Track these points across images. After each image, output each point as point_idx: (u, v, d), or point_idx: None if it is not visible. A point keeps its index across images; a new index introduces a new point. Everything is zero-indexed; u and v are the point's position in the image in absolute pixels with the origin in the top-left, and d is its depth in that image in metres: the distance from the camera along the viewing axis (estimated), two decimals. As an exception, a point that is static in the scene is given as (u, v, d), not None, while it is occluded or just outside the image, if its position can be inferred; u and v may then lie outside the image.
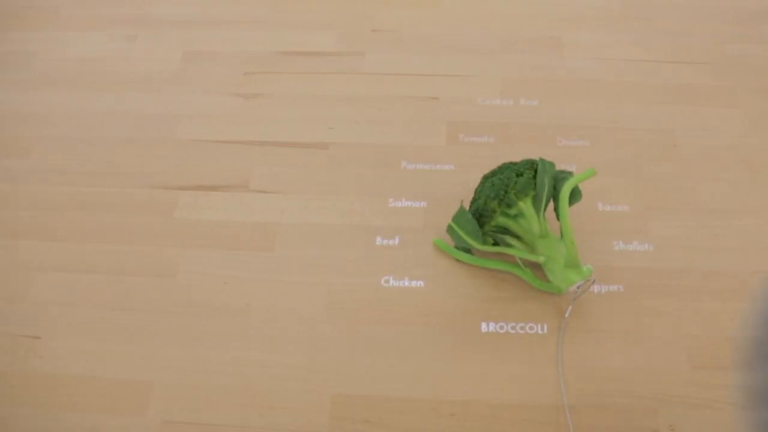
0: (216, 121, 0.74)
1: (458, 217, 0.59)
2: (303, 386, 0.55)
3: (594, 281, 0.56)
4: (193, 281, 0.62)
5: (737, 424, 0.49)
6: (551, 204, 0.59)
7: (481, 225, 0.58)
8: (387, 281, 0.61)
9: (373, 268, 0.61)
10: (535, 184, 0.57)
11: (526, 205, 0.57)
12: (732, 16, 0.81)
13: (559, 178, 0.58)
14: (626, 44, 0.78)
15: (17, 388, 0.57)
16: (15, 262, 0.64)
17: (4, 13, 0.88)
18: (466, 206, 0.62)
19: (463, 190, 0.66)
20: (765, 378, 0.29)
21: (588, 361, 0.55)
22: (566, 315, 0.57)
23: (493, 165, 0.62)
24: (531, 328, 0.57)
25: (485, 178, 0.61)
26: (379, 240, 0.64)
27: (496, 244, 0.60)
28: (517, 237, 0.59)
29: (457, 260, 0.62)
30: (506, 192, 0.56)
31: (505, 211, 0.57)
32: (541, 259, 0.56)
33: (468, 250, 0.62)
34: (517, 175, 0.58)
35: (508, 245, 0.58)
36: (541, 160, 0.59)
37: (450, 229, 0.61)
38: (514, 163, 0.60)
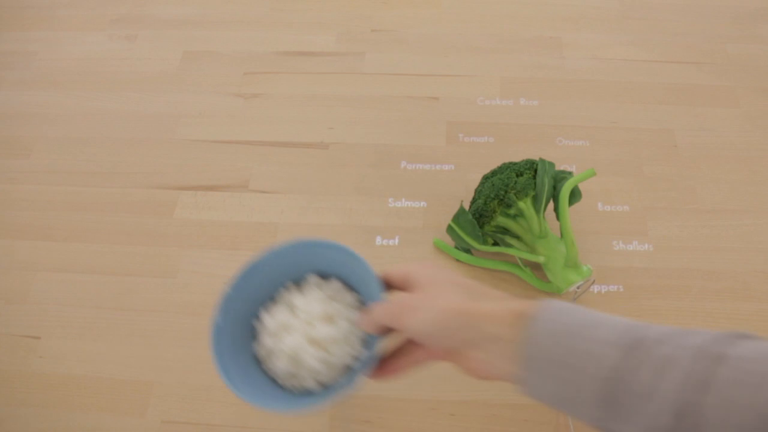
0: (216, 121, 0.74)
1: (458, 217, 0.59)
2: (303, 386, 0.55)
3: (594, 281, 0.56)
4: (193, 281, 0.62)
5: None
6: (551, 204, 0.59)
7: (481, 225, 0.58)
8: (387, 281, 0.61)
9: (373, 268, 0.61)
10: (535, 184, 0.57)
11: (526, 205, 0.57)
12: (732, 16, 0.81)
13: (559, 178, 0.58)
14: (626, 44, 0.78)
15: (17, 388, 0.57)
16: (15, 262, 0.64)
17: (4, 13, 0.88)
18: (466, 206, 0.62)
19: (463, 190, 0.66)
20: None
21: (588, 361, 0.55)
22: (566, 315, 0.57)
23: (493, 165, 0.62)
24: (531, 328, 0.57)
25: (485, 178, 0.61)
26: (379, 240, 0.64)
27: (496, 244, 0.60)
28: (517, 237, 0.59)
29: (457, 260, 0.62)
30: (506, 192, 0.56)
31: (505, 211, 0.57)
32: (541, 259, 0.56)
33: (468, 250, 0.62)
34: (517, 175, 0.58)
35: (508, 245, 0.58)
36: (541, 160, 0.59)
37: (450, 229, 0.61)
38: (514, 163, 0.60)
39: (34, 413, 0.55)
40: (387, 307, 0.37)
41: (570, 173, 0.59)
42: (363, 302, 0.44)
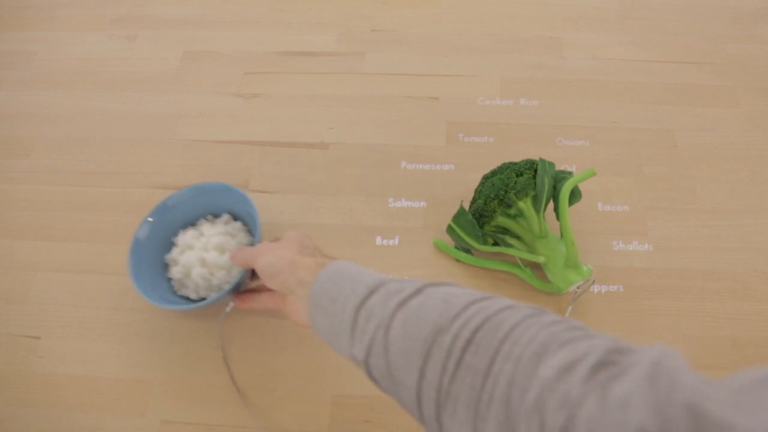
0: (216, 121, 0.74)
1: (458, 217, 0.59)
2: (303, 386, 0.56)
3: (594, 281, 0.56)
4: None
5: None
6: (551, 204, 0.59)
7: (481, 225, 0.58)
8: (387, 281, 0.61)
9: (373, 268, 0.61)
10: (535, 184, 0.57)
11: (526, 205, 0.57)
12: (732, 16, 0.81)
13: (559, 178, 0.58)
14: (626, 44, 0.78)
15: (17, 388, 0.57)
16: (15, 262, 0.64)
17: (4, 13, 0.88)
18: (466, 206, 0.62)
19: (463, 190, 0.66)
20: None
21: (588, 361, 0.55)
22: (566, 315, 0.57)
23: (493, 165, 0.62)
24: (531, 328, 0.57)
25: (485, 178, 0.61)
26: (379, 240, 0.64)
27: (496, 244, 0.60)
28: (517, 237, 0.59)
29: (457, 260, 0.62)
30: (506, 192, 0.56)
31: (505, 211, 0.57)
32: (541, 259, 0.56)
33: (468, 250, 0.62)
34: (517, 175, 0.58)
35: (508, 245, 0.58)
36: (541, 160, 0.59)
37: (450, 229, 0.61)
38: (514, 163, 0.60)
39: (34, 413, 0.55)
40: (248, 249, 0.50)
41: (570, 173, 0.59)
42: (253, 244, 0.57)
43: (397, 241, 0.64)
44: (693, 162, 0.68)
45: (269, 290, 0.51)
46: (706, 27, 0.80)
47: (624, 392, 0.24)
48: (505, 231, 0.59)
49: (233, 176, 0.69)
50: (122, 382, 0.57)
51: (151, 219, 0.58)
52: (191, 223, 0.61)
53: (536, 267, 0.59)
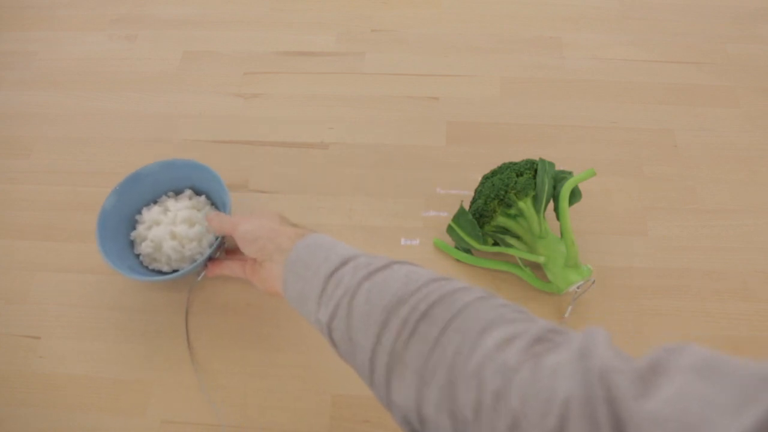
0: (216, 121, 0.74)
1: (458, 217, 0.59)
2: (303, 386, 0.56)
3: (594, 281, 0.56)
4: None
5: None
6: (551, 204, 0.59)
7: (481, 225, 0.58)
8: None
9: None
10: (535, 184, 0.57)
11: (526, 205, 0.57)
12: (732, 16, 0.81)
13: (559, 178, 0.58)
14: (626, 44, 0.78)
15: (17, 388, 0.57)
16: (15, 262, 0.64)
17: (4, 13, 0.88)
18: (466, 206, 0.62)
19: (463, 190, 0.66)
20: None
21: (588, 361, 0.55)
22: (566, 315, 0.57)
23: (493, 165, 0.62)
24: (531, 328, 0.57)
25: (485, 178, 0.61)
26: (379, 240, 0.64)
27: (496, 244, 0.60)
28: (517, 237, 0.59)
29: (457, 260, 0.62)
30: (506, 192, 0.56)
31: (505, 211, 0.57)
32: (541, 259, 0.56)
33: (468, 250, 0.62)
34: (517, 175, 0.58)
35: (508, 245, 0.58)
36: (541, 160, 0.59)
37: (450, 229, 0.61)
38: (514, 163, 0.60)
39: (34, 413, 0.55)
40: (226, 216, 0.54)
41: (570, 173, 0.59)
42: None
43: (397, 241, 0.64)
44: (693, 162, 0.68)
45: (238, 258, 0.54)
46: (706, 27, 0.80)
47: (555, 362, 0.28)
48: (505, 231, 0.59)
49: (233, 176, 0.69)
50: (122, 382, 0.57)
51: (118, 188, 0.60)
52: (153, 201, 0.63)
53: (536, 267, 0.59)
